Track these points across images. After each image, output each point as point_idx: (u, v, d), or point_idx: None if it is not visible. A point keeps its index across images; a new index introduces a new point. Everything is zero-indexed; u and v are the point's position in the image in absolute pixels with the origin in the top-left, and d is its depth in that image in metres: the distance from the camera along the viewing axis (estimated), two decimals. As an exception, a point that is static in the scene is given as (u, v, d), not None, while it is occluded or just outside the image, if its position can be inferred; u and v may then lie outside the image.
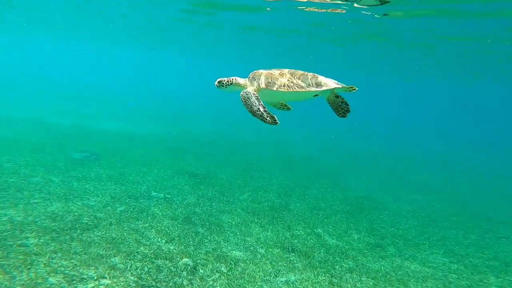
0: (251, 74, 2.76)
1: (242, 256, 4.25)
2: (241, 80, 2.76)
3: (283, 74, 2.64)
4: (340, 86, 2.65)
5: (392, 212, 7.62)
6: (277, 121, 2.39)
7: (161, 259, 3.71)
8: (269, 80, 2.60)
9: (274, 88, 2.56)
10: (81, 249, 3.54)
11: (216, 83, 2.70)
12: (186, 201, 6.18)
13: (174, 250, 4.01)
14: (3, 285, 2.62)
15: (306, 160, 13.02)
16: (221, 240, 4.63)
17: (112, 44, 28.78)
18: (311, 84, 2.61)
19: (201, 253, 4.09)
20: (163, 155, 9.92)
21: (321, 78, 2.69)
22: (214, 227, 5.11)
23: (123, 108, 20.17)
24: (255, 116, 2.43)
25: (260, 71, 2.73)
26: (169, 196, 6.27)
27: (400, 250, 5.38)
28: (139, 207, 5.37)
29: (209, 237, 4.67)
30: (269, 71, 2.69)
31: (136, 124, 15.95)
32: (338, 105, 2.73)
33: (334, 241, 5.33)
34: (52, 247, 3.45)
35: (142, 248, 3.92)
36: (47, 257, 3.19)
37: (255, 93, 2.58)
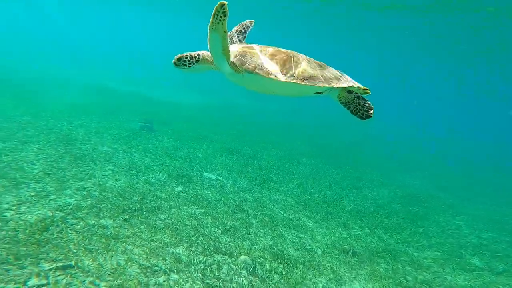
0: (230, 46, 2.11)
1: (299, 256, 4.18)
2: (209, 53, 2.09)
3: (280, 56, 2.02)
4: (355, 85, 2.11)
5: (469, 217, 6.82)
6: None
7: (220, 253, 3.82)
8: (261, 62, 1.98)
9: (268, 76, 1.93)
10: (149, 235, 3.78)
11: (174, 61, 2.12)
12: (237, 185, 6.22)
13: (231, 244, 4.09)
14: (94, 273, 2.91)
15: (352, 147, 12.14)
16: (275, 235, 4.61)
17: (149, 8, 28.26)
18: (317, 77, 1.98)
19: (258, 249, 4.11)
20: (209, 130, 10.03)
21: (333, 71, 2.12)
22: (267, 218, 5.08)
23: (163, 74, 20.57)
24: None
25: (247, 45, 2.12)
26: (220, 179, 6.36)
27: (488, 263, 4.82)
28: (194, 189, 5.54)
29: (262, 230, 4.67)
30: (260, 48, 2.08)
31: (179, 93, 16.24)
32: (355, 103, 2.11)
33: (401, 247, 4.96)
34: (126, 231, 3.73)
35: (201, 238, 4.06)
36: (123, 243, 3.46)
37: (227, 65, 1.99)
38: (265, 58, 2.02)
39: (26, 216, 3.46)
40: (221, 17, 1.70)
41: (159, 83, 19.34)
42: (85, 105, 9.83)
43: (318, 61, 2.16)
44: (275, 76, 1.95)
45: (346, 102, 2.16)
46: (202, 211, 4.82)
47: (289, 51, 2.14)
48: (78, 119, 7.99)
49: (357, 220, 5.67)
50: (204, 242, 3.98)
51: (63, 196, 4.15)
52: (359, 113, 2.11)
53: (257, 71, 1.96)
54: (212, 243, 3.98)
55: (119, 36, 53.83)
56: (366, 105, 2.11)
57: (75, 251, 3.10)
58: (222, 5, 1.66)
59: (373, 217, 5.95)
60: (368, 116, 2.09)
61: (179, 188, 5.41)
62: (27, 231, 3.16)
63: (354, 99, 2.13)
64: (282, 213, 5.41)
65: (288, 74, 1.97)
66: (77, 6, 33.63)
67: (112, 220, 3.88)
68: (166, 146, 7.51)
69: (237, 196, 5.68)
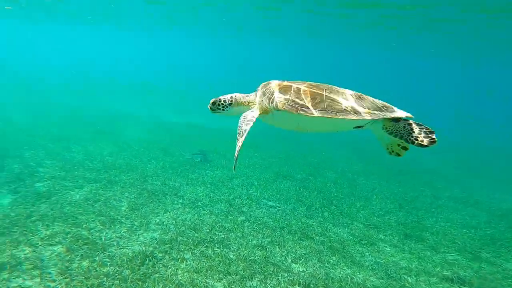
0: (260, 86, 2.10)
1: (385, 286, 3.95)
2: (244, 97, 2.15)
3: (310, 90, 1.89)
4: (403, 115, 1.87)
5: None
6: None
7: (298, 285, 3.86)
8: (289, 97, 1.88)
9: (297, 112, 1.82)
10: (225, 268, 4.04)
11: (209, 105, 2.17)
12: (297, 211, 6.27)
13: (305, 275, 4.10)
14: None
15: (411, 163, 11.20)
16: (350, 263, 4.47)
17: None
18: (354, 109, 1.81)
19: (335, 280, 4.03)
20: (260, 155, 10.38)
21: (374, 101, 1.93)
22: (336, 244, 4.99)
23: (188, 100, 21.42)
24: (237, 145, 1.94)
25: (274, 82, 2.05)
26: (279, 205, 6.50)
27: None
28: (256, 217, 5.76)
29: (334, 258, 4.58)
30: (288, 83, 1.99)
31: (206, 117, 16.78)
32: (408, 130, 1.85)
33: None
34: (204, 263, 4.06)
35: (272, 268, 4.17)
36: (205, 277, 3.78)
37: (254, 116, 1.99)
38: (294, 94, 1.92)
39: (125, 251, 4.04)
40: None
41: (180, 109, 19.39)
42: (148, 141, 11.14)
43: (355, 92, 1.99)
44: (305, 112, 1.83)
45: (396, 132, 1.90)
46: (268, 240, 4.97)
47: (321, 84, 2.01)
48: (147, 156, 9.10)
49: (450, 243, 5.17)
50: (277, 273, 4.08)
51: (148, 230, 4.74)
52: (417, 140, 1.80)
53: (285, 107, 1.87)
54: (286, 275, 4.05)
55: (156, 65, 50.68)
56: (424, 129, 1.83)
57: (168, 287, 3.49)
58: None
59: (471, 239, 5.35)
60: (432, 142, 1.77)
61: (242, 218, 5.69)
62: (130, 267, 3.68)
63: (404, 126, 1.88)
64: (352, 237, 5.25)
65: (319, 108, 1.83)
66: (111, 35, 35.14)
67: (190, 253, 4.28)
68: (221, 176, 8.03)
69: (300, 222, 5.72)
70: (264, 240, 4.95)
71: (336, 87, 2.03)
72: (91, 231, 4.41)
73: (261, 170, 8.82)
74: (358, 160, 10.99)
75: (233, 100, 2.18)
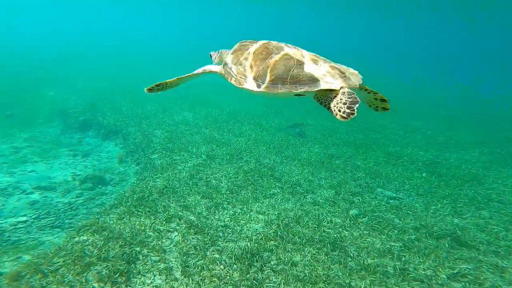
0: (239, 43, 2.24)
1: None
2: (223, 53, 2.36)
3: (256, 57, 1.99)
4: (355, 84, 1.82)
5: None
6: None
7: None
8: (232, 64, 2.11)
9: (234, 84, 2.04)
10: (347, 280, 3.28)
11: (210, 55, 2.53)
12: (435, 206, 4.77)
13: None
14: None
15: None
16: None
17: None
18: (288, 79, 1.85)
19: None
20: (370, 127, 8.65)
21: (321, 66, 1.88)
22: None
23: None
24: None
25: (240, 44, 2.19)
26: (402, 197, 5.11)
27: None
28: (372, 211, 4.65)
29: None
30: (243, 46, 2.14)
31: None
32: (337, 98, 1.79)
33: None
34: (318, 271, 3.41)
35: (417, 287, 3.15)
36: (322, 294, 3.13)
37: (212, 69, 2.30)
38: (245, 63, 2.04)
39: (231, 246, 3.80)
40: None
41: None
42: (239, 110, 11.03)
43: (308, 53, 1.99)
44: (246, 87, 1.98)
45: (323, 101, 1.86)
46: (399, 244, 3.87)
47: (272, 45, 2.05)
48: (237, 128, 8.94)
49: None
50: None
51: (250, 221, 4.40)
52: (335, 113, 1.75)
53: (232, 82, 2.06)
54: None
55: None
56: (350, 99, 1.71)
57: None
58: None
59: None
60: (350, 114, 1.67)
61: (355, 211, 4.69)
62: (239, 268, 3.39)
63: (336, 96, 1.79)
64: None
65: (260, 81, 1.94)
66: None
67: (299, 255, 3.69)
68: (319, 154, 7.03)
69: (443, 223, 4.29)
70: (392, 244, 3.87)
71: (286, 46, 2.04)
72: (199, 216, 4.39)
73: (369, 149, 7.29)
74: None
75: (217, 54, 2.42)
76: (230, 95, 13.06)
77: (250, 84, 1.95)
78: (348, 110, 1.66)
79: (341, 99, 1.73)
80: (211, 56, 2.50)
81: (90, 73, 17.13)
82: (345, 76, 1.84)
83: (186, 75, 2.31)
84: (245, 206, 4.77)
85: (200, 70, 2.34)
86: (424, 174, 6.04)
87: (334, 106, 1.74)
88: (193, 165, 6.12)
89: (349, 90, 1.78)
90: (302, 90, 1.82)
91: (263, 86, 1.90)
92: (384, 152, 6.97)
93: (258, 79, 1.93)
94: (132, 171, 6.98)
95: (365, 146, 7.63)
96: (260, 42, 2.10)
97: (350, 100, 1.70)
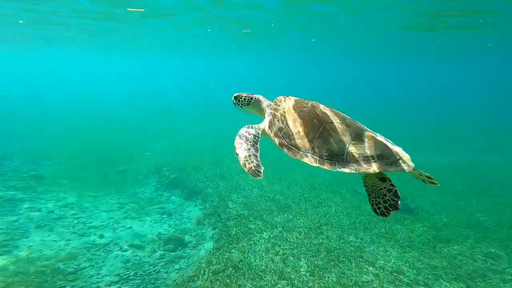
0: (277, 99, 2.02)
1: None
2: (263, 101, 2.09)
3: (304, 119, 1.85)
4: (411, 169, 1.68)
5: None
6: (261, 173, 1.70)
7: None
8: (283, 128, 1.89)
9: (287, 152, 1.84)
10: None
11: (232, 98, 2.13)
12: None
13: None
14: None
15: None
16: None
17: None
18: (362, 158, 1.74)
19: None
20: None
21: (377, 143, 1.77)
22: None
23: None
24: (240, 161, 1.78)
25: (291, 100, 1.95)
26: None
27: None
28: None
29: None
30: (301, 104, 1.91)
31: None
32: (381, 192, 1.72)
33: None
34: None
35: None
36: None
37: (259, 132, 1.94)
38: (293, 128, 1.87)
39: None
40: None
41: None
42: (312, 175, 10.48)
43: (355, 124, 1.84)
44: (302, 159, 1.84)
45: (371, 187, 1.79)
46: None
47: (323, 113, 1.86)
48: (314, 196, 8.33)
49: None
50: None
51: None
52: (377, 204, 1.73)
53: (284, 150, 1.87)
54: None
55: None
56: (391, 201, 1.69)
57: None
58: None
59: None
60: (386, 213, 1.69)
61: None
62: None
63: (382, 188, 1.75)
64: None
65: (317, 155, 1.80)
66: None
67: None
68: (424, 234, 5.58)
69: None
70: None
71: (338, 115, 1.87)
72: (277, 306, 3.76)
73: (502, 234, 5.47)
74: None
75: (253, 100, 2.11)
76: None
77: (307, 159, 1.80)
78: (384, 210, 1.69)
79: (384, 195, 1.71)
80: (237, 99, 2.10)
81: (184, 130, 19.33)
82: (404, 162, 1.73)
83: (252, 145, 1.88)
84: None
85: (252, 132, 1.95)
86: None
87: (376, 199, 1.73)
88: (269, 237, 5.73)
89: (396, 189, 1.72)
90: (373, 169, 1.69)
91: (321, 161, 1.77)
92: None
93: (315, 152, 1.78)
94: (208, 235, 7.03)
95: (498, 230, 5.72)
96: (308, 104, 1.91)
97: (392, 202, 1.69)
